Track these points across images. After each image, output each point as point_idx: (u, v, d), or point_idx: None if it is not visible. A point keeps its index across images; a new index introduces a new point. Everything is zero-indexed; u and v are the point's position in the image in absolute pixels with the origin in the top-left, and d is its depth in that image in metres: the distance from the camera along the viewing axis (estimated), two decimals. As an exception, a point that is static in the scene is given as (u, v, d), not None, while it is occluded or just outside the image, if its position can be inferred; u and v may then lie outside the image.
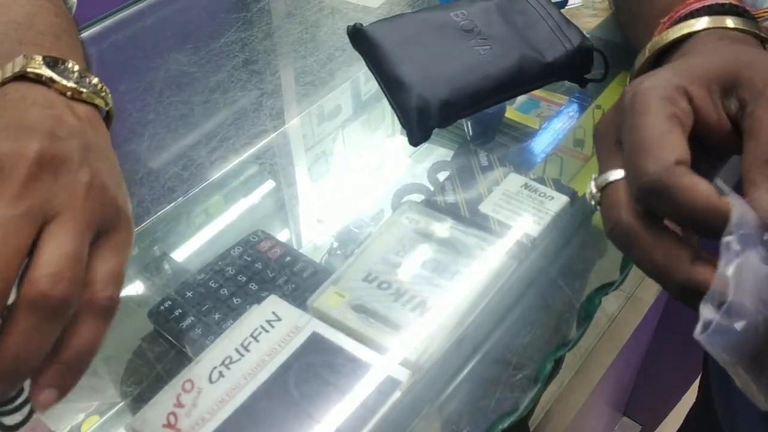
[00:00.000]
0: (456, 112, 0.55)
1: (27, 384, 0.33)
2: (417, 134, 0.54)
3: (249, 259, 0.55)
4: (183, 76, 0.61)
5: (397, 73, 0.54)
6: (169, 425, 0.42)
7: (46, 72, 0.38)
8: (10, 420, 0.33)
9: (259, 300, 0.49)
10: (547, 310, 0.46)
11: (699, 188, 0.32)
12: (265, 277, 0.54)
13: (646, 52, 0.46)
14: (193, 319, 0.50)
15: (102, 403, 0.48)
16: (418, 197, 0.61)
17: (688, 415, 0.93)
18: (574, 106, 0.70)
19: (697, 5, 0.45)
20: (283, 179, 0.63)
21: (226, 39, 0.65)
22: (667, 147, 0.33)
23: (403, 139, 0.67)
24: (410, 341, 0.45)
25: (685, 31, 0.44)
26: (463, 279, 0.48)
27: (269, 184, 0.62)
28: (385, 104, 0.61)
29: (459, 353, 0.45)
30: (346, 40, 0.59)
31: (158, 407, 0.43)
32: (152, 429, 0.42)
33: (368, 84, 0.68)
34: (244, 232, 0.55)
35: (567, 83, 0.69)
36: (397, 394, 0.42)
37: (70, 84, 0.39)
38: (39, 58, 0.39)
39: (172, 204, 0.54)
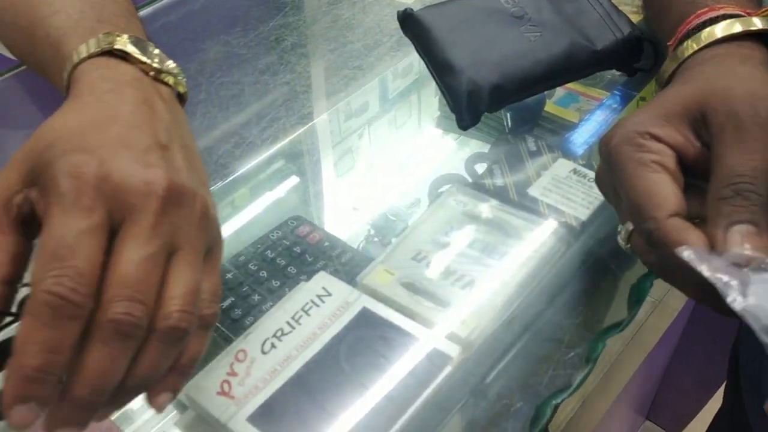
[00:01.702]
0: (505, 97, 0.55)
1: None
2: (466, 118, 0.55)
3: (288, 243, 0.56)
4: (233, 57, 0.62)
5: (448, 57, 0.55)
6: (223, 392, 0.43)
7: (133, 50, 0.39)
8: None
9: (297, 283, 0.50)
10: (598, 292, 0.46)
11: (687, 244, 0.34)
12: (303, 261, 0.55)
13: (665, 72, 0.46)
14: (232, 300, 0.51)
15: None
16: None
17: (712, 422, 0.92)
18: (617, 99, 0.70)
19: (704, 17, 0.45)
20: (322, 167, 0.63)
21: (275, 23, 0.66)
22: (657, 202, 0.35)
23: (440, 132, 0.67)
24: (460, 318, 0.45)
25: (689, 52, 0.44)
26: (512, 260, 0.48)
27: (308, 171, 0.63)
28: (420, 96, 0.61)
29: (509, 331, 0.45)
30: (395, 25, 0.60)
31: (212, 375, 0.44)
32: (206, 395, 0.43)
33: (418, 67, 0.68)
34: (281, 217, 0.56)
35: (607, 77, 0.69)
36: (448, 369, 0.43)
37: (155, 64, 0.40)
38: (125, 36, 0.39)
39: (227, 180, 0.54)
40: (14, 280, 0.34)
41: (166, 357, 0.33)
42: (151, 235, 0.32)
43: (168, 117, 0.38)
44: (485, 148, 0.64)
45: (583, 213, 0.50)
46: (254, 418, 0.42)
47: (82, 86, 0.38)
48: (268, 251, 0.55)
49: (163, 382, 0.34)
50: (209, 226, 0.36)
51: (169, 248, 0.33)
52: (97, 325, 0.30)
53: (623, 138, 0.38)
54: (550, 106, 0.70)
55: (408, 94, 0.69)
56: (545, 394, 0.40)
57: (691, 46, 0.44)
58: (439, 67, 0.56)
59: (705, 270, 0.32)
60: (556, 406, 0.39)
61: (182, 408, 0.45)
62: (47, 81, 0.47)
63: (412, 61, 0.68)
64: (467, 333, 0.44)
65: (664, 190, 0.36)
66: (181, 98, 0.43)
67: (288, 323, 0.46)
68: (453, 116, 0.56)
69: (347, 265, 0.53)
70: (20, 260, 0.34)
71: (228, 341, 0.49)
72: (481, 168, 0.61)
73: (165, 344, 0.33)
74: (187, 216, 0.34)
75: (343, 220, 0.62)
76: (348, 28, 0.68)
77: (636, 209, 0.36)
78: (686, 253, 0.33)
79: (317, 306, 0.47)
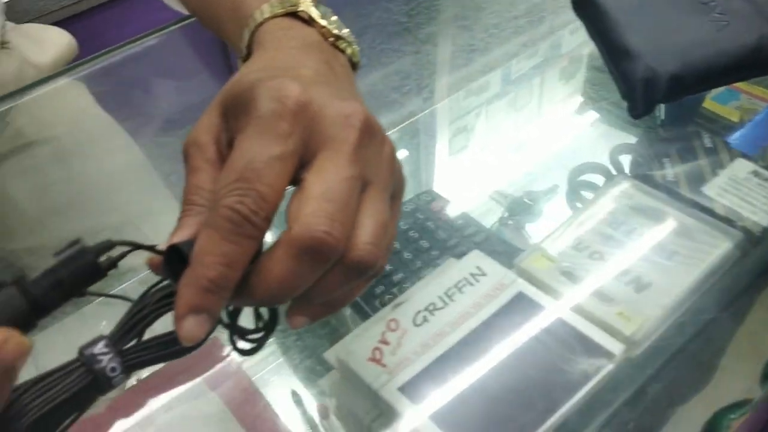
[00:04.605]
0: (684, 88, 0.52)
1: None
2: (640, 106, 0.52)
3: (422, 217, 0.55)
4: (393, 25, 0.61)
5: (625, 42, 0.52)
6: (374, 359, 0.43)
7: (315, 13, 0.39)
8: (244, 345, 0.35)
9: (429, 258, 0.50)
10: (779, 304, 0.43)
11: None
12: (436, 236, 0.54)
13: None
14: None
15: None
16: (598, 177, 0.59)
17: None
18: (788, 101, 0.65)
19: None
20: (459, 143, 0.62)
21: (437, -7, 0.65)
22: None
23: (583, 119, 0.65)
24: (624, 315, 0.43)
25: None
26: (683, 261, 0.45)
27: (445, 145, 0.62)
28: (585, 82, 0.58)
29: (678, 335, 0.43)
30: (559, 3, 0.57)
31: (363, 341, 0.44)
32: (357, 360, 0.43)
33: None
34: (411, 191, 0.55)
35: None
36: (610, 367, 0.41)
37: (334, 30, 0.39)
38: (308, 0, 0.39)
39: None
40: None
41: (339, 287, 0.32)
42: (349, 162, 0.31)
43: (347, 81, 0.38)
44: (628, 139, 0.61)
45: (764, 219, 0.47)
46: (405, 389, 0.41)
47: (267, 44, 0.38)
48: (402, 222, 0.54)
49: (311, 308, 0.33)
50: (396, 169, 0.34)
51: (363, 180, 0.32)
52: (294, 240, 0.29)
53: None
54: (707, 102, 0.66)
55: (571, 76, 0.66)
56: (715, 407, 0.37)
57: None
58: (614, 52, 0.53)
59: None
60: (730, 421, 0.37)
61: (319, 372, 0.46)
62: (219, 36, 0.48)
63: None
64: (632, 331, 0.42)
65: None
66: (353, 68, 0.42)
67: (440, 298, 0.46)
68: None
69: (480, 246, 0.52)
70: None
71: (358, 311, 0.49)
72: (626, 160, 0.58)
73: (345, 275, 0.31)
74: (380, 154, 0.33)
75: (476, 199, 0.61)
76: (512, 4, 0.66)
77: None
78: None
79: (471, 285, 0.46)
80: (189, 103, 0.68)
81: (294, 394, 0.48)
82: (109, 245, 0.30)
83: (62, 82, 0.68)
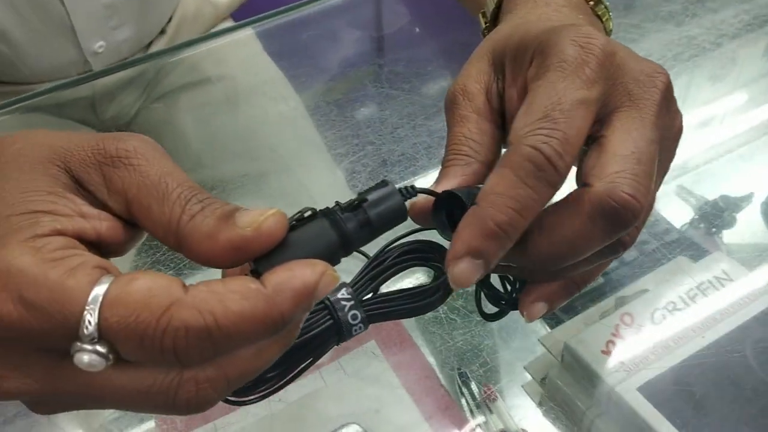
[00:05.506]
0: None
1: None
2: None
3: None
4: (637, -1, 0.57)
5: None
6: (608, 353, 0.39)
7: None
8: (490, 309, 0.33)
9: None
10: None
11: None
12: None
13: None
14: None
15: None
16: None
17: None
18: None
19: None
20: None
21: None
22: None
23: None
24: None
25: None
26: None
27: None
28: None
29: None
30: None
31: (595, 332, 0.40)
32: (589, 350, 0.40)
33: None
34: None
35: None
36: None
37: None
38: None
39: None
40: (491, 165, 0.31)
41: (596, 261, 0.30)
42: (653, 124, 0.28)
43: None
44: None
45: None
46: (646, 390, 0.38)
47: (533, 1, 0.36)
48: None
49: (553, 291, 0.31)
50: (677, 148, 0.32)
51: (660, 141, 0.29)
52: (595, 199, 0.27)
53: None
54: None
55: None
56: None
57: None
58: None
59: None
60: None
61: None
62: None
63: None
64: None
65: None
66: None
67: (681, 299, 0.42)
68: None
69: (667, 247, 0.49)
70: (497, 150, 0.32)
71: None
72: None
73: (611, 247, 0.29)
74: (672, 127, 0.31)
75: (667, 199, 0.56)
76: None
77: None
78: None
79: (716, 288, 0.42)
80: (348, 63, 0.68)
81: (461, 375, 0.45)
82: (414, 191, 0.28)
83: (240, 34, 0.69)
